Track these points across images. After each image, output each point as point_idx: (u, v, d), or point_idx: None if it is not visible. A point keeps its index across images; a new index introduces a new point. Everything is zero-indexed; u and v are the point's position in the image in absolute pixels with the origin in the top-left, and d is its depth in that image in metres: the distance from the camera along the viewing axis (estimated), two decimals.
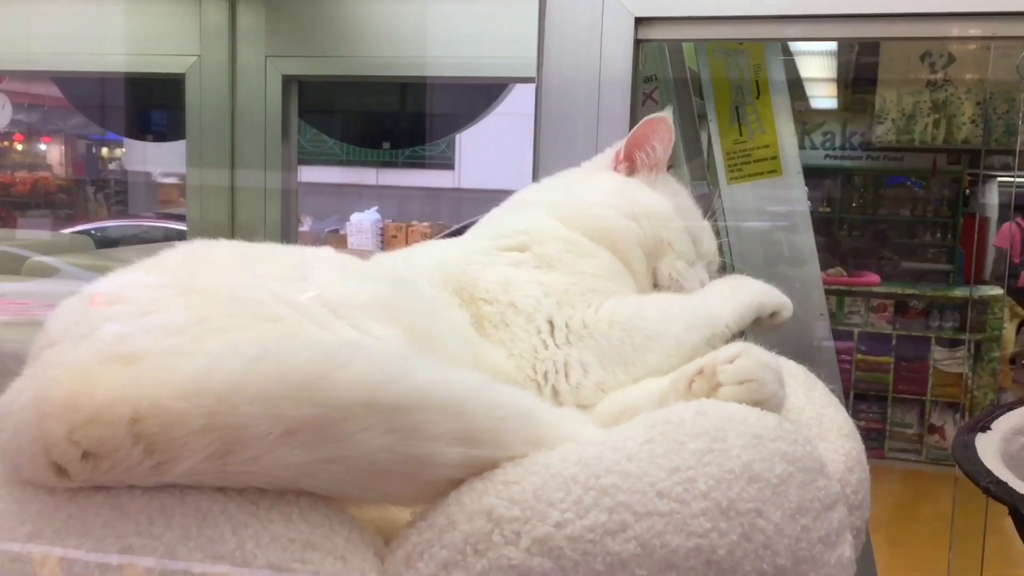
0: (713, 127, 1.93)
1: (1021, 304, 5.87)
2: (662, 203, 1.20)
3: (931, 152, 7.22)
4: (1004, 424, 1.11)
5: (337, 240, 8.75)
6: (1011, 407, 1.17)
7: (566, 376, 0.99)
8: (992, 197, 8.29)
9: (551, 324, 1.02)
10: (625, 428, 0.76)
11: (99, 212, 9.00)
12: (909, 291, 6.23)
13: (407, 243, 8.77)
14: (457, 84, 3.33)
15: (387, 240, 8.94)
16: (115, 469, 0.68)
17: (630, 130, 1.71)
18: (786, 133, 1.89)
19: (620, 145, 1.24)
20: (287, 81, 2.90)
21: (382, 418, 0.68)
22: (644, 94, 1.94)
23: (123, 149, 9.70)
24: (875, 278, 6.21)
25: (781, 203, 1.93)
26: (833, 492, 0.79)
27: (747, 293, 1.13)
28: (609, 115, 1.67)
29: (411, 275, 1.04)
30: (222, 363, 0.70)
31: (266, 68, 2.89)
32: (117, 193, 9.65)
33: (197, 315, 0.80)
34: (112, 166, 10.55)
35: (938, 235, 7.85)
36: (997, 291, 6.20)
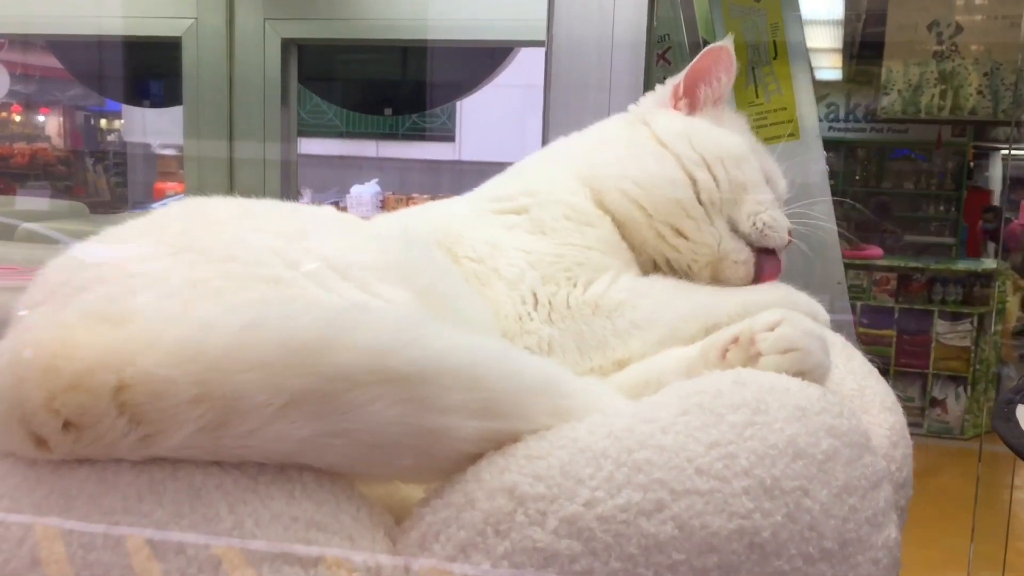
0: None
1: None
2: (736, 142, 1.07)
3: (936, 124, 7.15)
4: None
5: None
6: None
7: (547, 355, 0.93)
8: (995, 170, 8.24)
9: (535, 297, 0.96)
10: (656, 398, 0.70)
11: (98, 184, 8.93)
12: (912, 264, 6.18)
13: None
14: (460, 49, 3.26)
15: (387, 212, 8.90)
16: (99, 441, 0.62)
17: (643, 92, 1.65)
18: (804, 94, 1.82)
19: (679, 78, 1.11)
20: (286, 45, 2.83)
21: (393, 387, 0.62)
22: (656, 55, 1.87)
23: (122, 120, 9.62)
24: (878, 251, 6.16)
25: (798, 167, 1.86)
26: (879, 469, 0.73)
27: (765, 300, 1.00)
28: (621, 78, 1.61)
29: (420, 234, 0.98)
30: (216, 327, 0.64)
31: (265, 31, 2.81)
32: (116, 165, 9.59)
33: (192, 276, 0.74)
34: (111, 137, 10.47)
35: (941, 208, 7.80)
36: (1001, 264, 6.16)
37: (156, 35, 2.94)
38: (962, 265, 6.18)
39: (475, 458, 0.65)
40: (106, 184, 9.03)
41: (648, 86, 1.63)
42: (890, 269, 6.04)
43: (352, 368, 0.61)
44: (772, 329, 0.78)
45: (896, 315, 5.96)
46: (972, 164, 7.87)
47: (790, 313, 0.80)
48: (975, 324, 5.88)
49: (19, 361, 0.64)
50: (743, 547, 0.61)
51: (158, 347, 0.62)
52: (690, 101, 1.10)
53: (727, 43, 1.09)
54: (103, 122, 10.66)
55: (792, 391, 0.71)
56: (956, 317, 5.94)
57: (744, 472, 0.64)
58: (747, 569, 0.61)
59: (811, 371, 0.76)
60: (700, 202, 1.04)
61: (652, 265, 1.06)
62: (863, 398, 0.84)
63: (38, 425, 0.63)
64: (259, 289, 0.74)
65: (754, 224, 1.04)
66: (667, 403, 0.68)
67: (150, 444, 0.62)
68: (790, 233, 1.07)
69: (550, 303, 0.95)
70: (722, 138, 1.07)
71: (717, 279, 1.05)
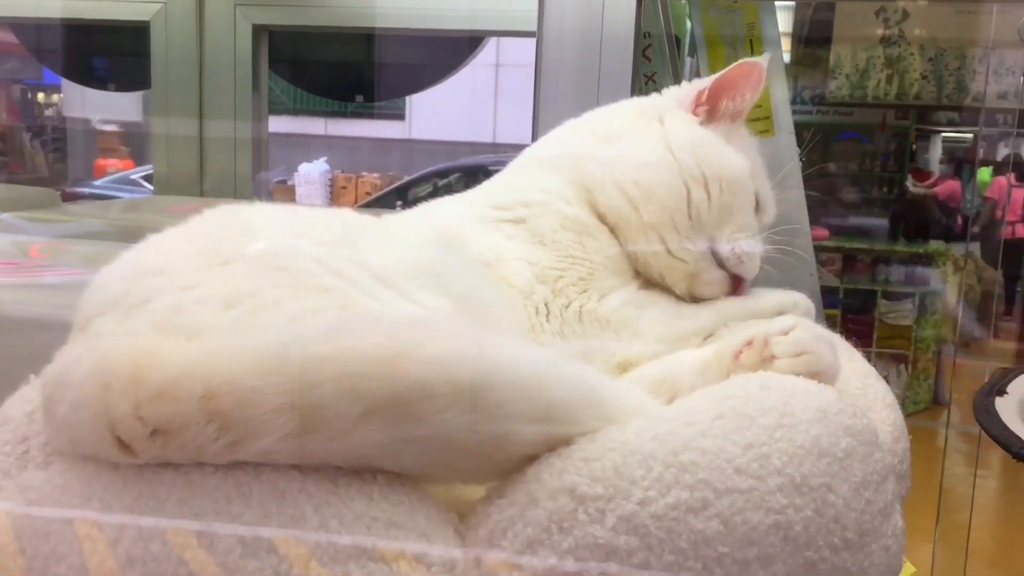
0: None
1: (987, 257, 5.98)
2: (739, 164, 1.08)
3: (881, 107, 7.31)
4: (1019, 387, 1.13)
5: (285, 191, 8.61)
6: (1022, 370, 1.19)
7: None
8: (936, 152, 8.44)
9: (547, 309, 1.00)
10: (692, 402, 0.76)
11: (36, 160, 8.75)
12: (856, 245, 6.34)
13: (357, 195, 8.68)
14: (431, 38, 3.29)
15: (336, 192, 8.83)
16: (187, 447, 0.66)
17: (631, 88, 1.70)
18: (779, 92, 1.89)
19: (705, 84, 1.11)
20: (257, 31, 2.83)
21: (462, 397, 0.67)
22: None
23: (61, 95, 9.42)
24: (824, 232, 6.29)
25: (772, 162, 1.93)
26: (886, 463, 0.80)
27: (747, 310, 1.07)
28: (611, 68, 1.65)
29: (451, 237, 1.02)
30: (295, 340, 0.68)
31: (235, 17, 2.81)
32: (55, 140, 9.40)
33: (247, 286, 0.78)
34: (49, 112, 10.24)
35: (885, 189, 7.98)
36: (942, 245, 6.34)
37: (124, 19, 2.92)
38: (904, 246, 6.35)
39: (531, 459, 0.71)
40: (44, 160, 8.86)
41: (635, 80, 1.68)
42: (836, 250, 6.19)
43: (425, 380, 0.66)
44: (786, 333, 0.84)
45: (841, 295, 6.11)
46: (915, 146, 8.06)
47: (802, 319, 0.87)
48: (916, 304, 6.07)
49: (103, 370, 0.68)
50: (779, 540, 0.68)
51: (242, 359, 0.67)
52: (710, 110, 1.10)
53: (762, 61, 1.10)
54: (40, 96, 10.42)
55: (812, 394, 0.77)
56: (898, 297, 6.12)
57: (777, 471, 0.70)
58: (782, 560, 0.68)
59: (822, 373, 0.82)
60: (689, 217, 1.07)
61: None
62: (867, 396, 0.91)
63: (125, 432, 0.67)
64: (312, 298, 0.78)
65: (732, 250, 1.07)
66: (702, 407, 0.74)
67: (236, 450, 0.66)
68: (763, 261, 1.11)
69: (561, 315, 1.00)
70: (728, 159, 1.07)
71: (691, 293, 1.09)
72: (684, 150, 1.07)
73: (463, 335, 0.72)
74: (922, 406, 6.05)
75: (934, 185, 6.80)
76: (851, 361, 0.97)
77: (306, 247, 0.85)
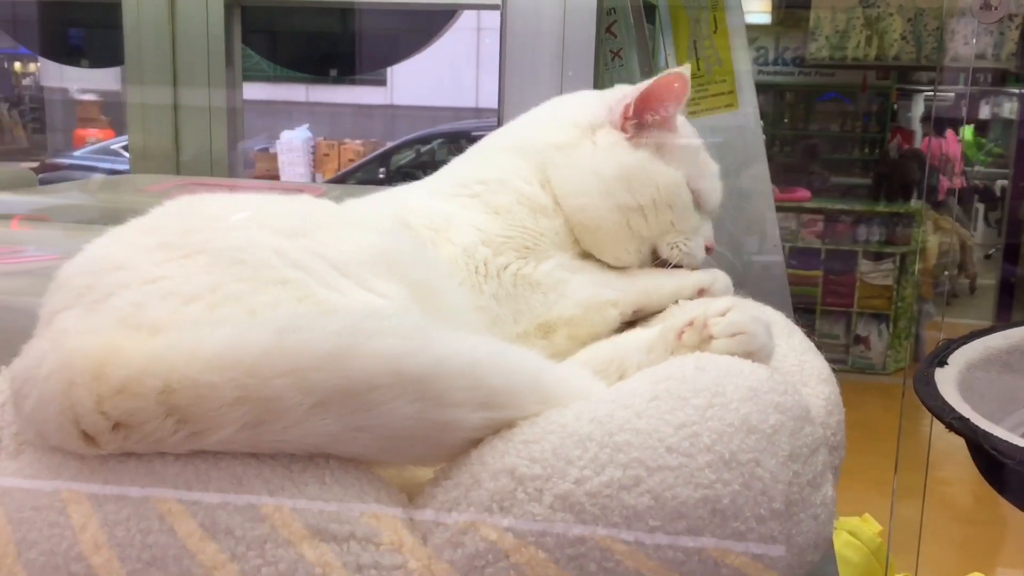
0: (671, 61, 1.95)
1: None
2: (672, 181, 1.11)
3: (862, 68, 7.33)
4: (960, 358, 1.18)
5: (268, 159, 8.58)
6: (964, 340, 1.24)
7: (489, 324, 1.04)
8: (917, 111, 8.47)
9: (486, 269, 1.06)
10: (630, 384, 0.81)
11: (15, 131, 8.70)
12: (838, 206, 6.39)
13: (339, 161, 8.66)
14: (404, 11, 3.29)
15: (319, 159, 8.80)
16: (147, 438, 0.70)
17: (595, 63, 1.72)
18: (742, 64, 1.92)
19: (630, 99, 1.12)
20: (230, 5, 2.83)
21: (409, 388, 0.71)
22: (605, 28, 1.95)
23: (38, 64, 9.35)
24: (806, 193, 6.34)
25: (735, 134, 1.96)
26: (817, 436, 0.85)
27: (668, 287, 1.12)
28: (575, 43, 1.67)
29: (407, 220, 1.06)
30: (250, 335, 0.72)
31: None
32: (33, 111, 9.33)
33: (208, 281, 0.81)
34: (26, 82, 10.16)
35: (866, 150, 8.02)
36: (921, 205, 6.39)
37: None
38: (885, 206, 6.40)
39: (476, 443, 0.75)
40: (23, 131, 8.81)
41: (599, 56, 1.71)
42: (817, 211, 6.24)
43: (374, 372, 0.71)
44: (723, 315, 0.89)
45: (823, 256, 6.17)
46: (896, 106, 8.10)
47: (740, 301, 0.92)
48: (897, 263, 6.14)
49: (67, 366, 0.72)
50: (707, 513, 0.73)
51: (198, 354, 0.71)
52: (638, 124, 1.12)
53: (684, 71, 1.12)
54: (17, 65, 10.33)
55: (745, 373, 0.82)
56: (879, 257, 6.18)
57: (707, 448, 0.74)
58: (710, 531, 0.72)
59: (757, 352, 0.87)
60: (631, 236, 1.12)
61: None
62: (803, 372, 0.96)
63: (89, 425, 0.71)
64: (272, 291, 0.82)
65: (672, 250, 1.13)
66: (640, 390, 0.79)
67: (195, 440, 0.70)
68: (708, 251, 1.16)
69: (498, 277, 1.05)
70: (659, 179, 1.11)
71: None
72: (617, 182, 1.11)
73: (410, 328, 0.77)
74: (903, 365, 6.14)
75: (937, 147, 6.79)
76: (790, 337, 1.01)
77: (265, 238, 0.88)
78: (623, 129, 1.12)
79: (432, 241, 1.07)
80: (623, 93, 1.15)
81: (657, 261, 1.14)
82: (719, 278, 1.13)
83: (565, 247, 1.12)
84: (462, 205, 1.11)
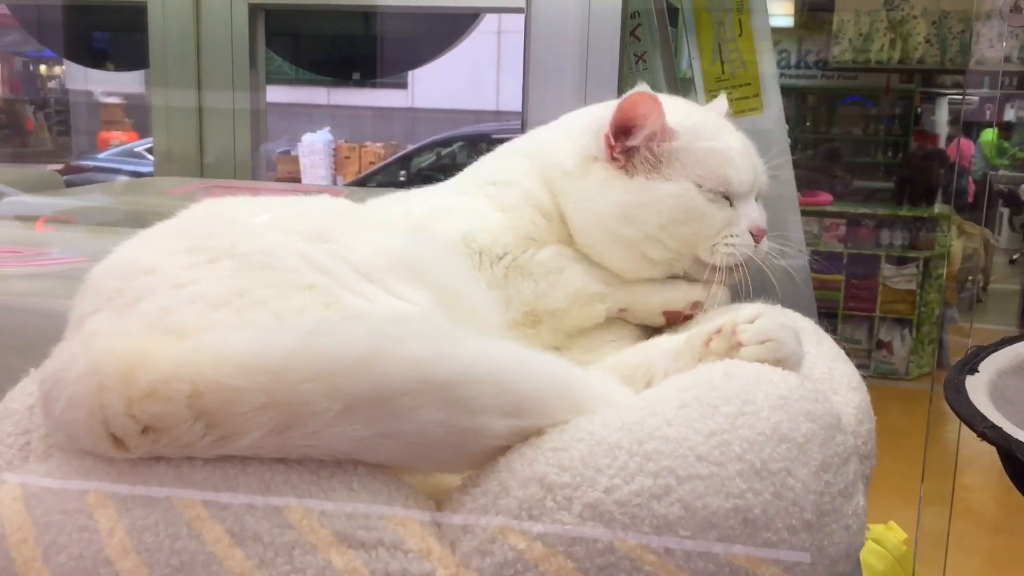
0: (696, 64, 1.94)
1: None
2: (675, 194, 1.04)
3: (885, 72, 7.29)
4: (991, 365, 1.17)
5: (289, 162, 8.62)
6: (995, 347, 1.22)
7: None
8: (941, 115, 8.42)
9: (480, 258, 1.05)
10: (658, 392, 0.80)
11: (40, 133, 8.78)
12: (861, 210, 6.35)
13: (360, 164, 8.69)
14: (427, 15, 3.30)
15: (340, 161, 8.83)
16: (176, 442, 0.70)
17: (618, 62, 1.71)
18: (767, 66, 1.91)
19: (606, 128, 1.06)
20: (253, 9, 2.84)
21: (437, 394, 0.71)
22: (629, 31, 1.94)
23: (63, 67, 9.43)
24: (828, 197, 6.30)
25: (760, 138, 1.95)
26: (848, 446, 0.84)
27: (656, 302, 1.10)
28: (599, 46, 1.67)
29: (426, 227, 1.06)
30: (277, 339, 0.72)
31: None
32: (58, 112, 9.42)
33: (234, 285, 0.81)
34: (51, 84, 10.25)
35: (889, 153, 7.98)
36: (945, 209, 6.34)
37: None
38: (908, 210, 6.35)
39: (504, 450, 0.75)
40: (48, 133, 8.88)
41: (623, 59, 1.70)
42: (839, 215, 6.20)
43: (401, 377, 0.70)
44: (752, 321, 0.88)
45: (845, 260, 6.13)
46: (920, 110, 8.05)
47: (768, 308, 0.90)
48: (920, 268, 6.09)
49: (97, 370, 0.72)
50: (738, 523, 0.72)
51: (226, 359, 0.71)
52: (625, 151, 1.06)
53: (642, 87, 1.05)
54: (42, 68, 10.43)
55: (775, 381, 0.81)
56: (902, 261, 6.14)
57: (737, 457, 0.74)
58: (741, 541, 0.72)
59: (786, 359, 0.86)
60: (645, 257, 1.07)
61: None
62: (832, 380, 0.95)
63: (118, 429, 0.71)
64: (297, 297, 0.82)
65: (715, 255, 1.06)
66: (668, 397, 0.78)
67: (222, 445, 0.70)
68: (758, 238, 1.09)
69: (492, 267, 1.05)
70: (661, 202, 1.05)
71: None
72: (616, 221, 1.06)
73: (437, 333, 0.76)
74: (926, 370, 6.10)
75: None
76: (819, 344, 1.00)
77: (291, 243, 0.88)
78: (613, 158, 1.07)
79: (433, 229, 1.07)
80: (602, 121, 1.07)
81: (707, 268, 1.08)
82: (716, 295, 1.07)
83: (569, 243, 1.10)
84: (471, 198, 1.12)
